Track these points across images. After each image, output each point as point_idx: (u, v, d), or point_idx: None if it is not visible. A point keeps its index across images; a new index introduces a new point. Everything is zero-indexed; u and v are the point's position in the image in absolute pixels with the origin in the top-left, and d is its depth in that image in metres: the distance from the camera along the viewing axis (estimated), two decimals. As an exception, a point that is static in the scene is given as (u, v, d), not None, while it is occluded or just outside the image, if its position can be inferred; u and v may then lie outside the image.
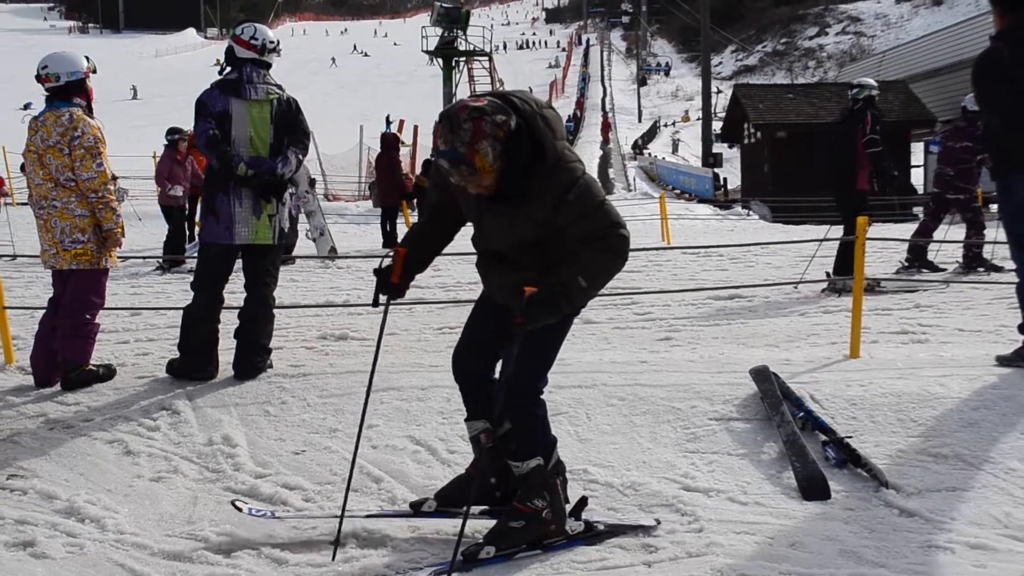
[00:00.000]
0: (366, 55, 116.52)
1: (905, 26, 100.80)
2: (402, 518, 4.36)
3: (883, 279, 10.61)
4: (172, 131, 14.82)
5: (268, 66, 6.50)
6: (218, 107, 6.34)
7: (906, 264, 11.93)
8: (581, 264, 3.76)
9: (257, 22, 6.64)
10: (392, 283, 4.13)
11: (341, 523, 4.18)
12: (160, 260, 13.93)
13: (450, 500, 4.32)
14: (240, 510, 4.38)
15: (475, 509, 4.20)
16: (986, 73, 5.98)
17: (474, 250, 4.22)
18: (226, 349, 6.50)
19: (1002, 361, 6.12)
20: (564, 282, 3.71)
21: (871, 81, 11.52)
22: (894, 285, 10.49)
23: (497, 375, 4.31)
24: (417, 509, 4.34)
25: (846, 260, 9.81)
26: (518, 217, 3.85)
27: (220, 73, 6.57)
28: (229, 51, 6.51)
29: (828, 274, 10.53)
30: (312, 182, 14.73)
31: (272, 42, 6.53)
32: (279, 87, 6.53)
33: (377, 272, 4.13)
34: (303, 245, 15.62)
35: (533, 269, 3.91)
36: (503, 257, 4.02)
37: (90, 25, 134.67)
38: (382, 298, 4.17)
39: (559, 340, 4.10)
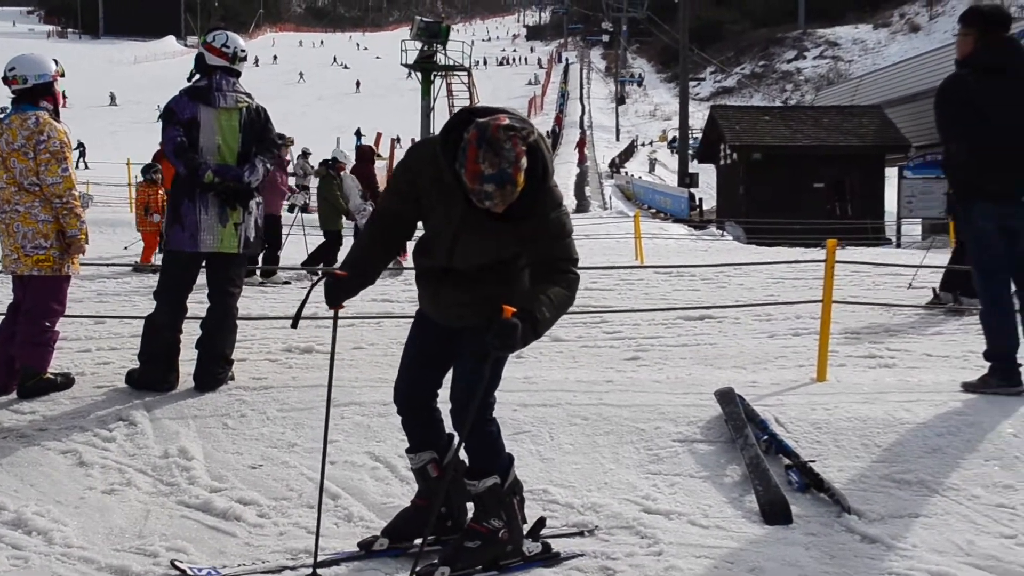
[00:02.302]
0: (346, 67, 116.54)
1: (882, 51, 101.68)
2: (355, 561, 4.22)
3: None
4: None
5: (238, 74, 6.44)
6: (186, 114, 6.26)
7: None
8: (547, 296, 3.72)
9: (238, 32, 6.58)
10: (343, 282, 3.96)
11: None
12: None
13: (400, 534, 4.23)
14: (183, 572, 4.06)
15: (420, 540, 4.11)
16: (951, 100, 6.00)
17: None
18: (187, 360, 6.40)
19: (967, 387, 6.11)
20: (534, 314, 3.64)
21: None
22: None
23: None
24: (368, 548, 4.22)
25: (955, 274, 9.94)
26: (505, 231, 3.80)
27: (189, 80, 6.48)
28: (199, 58, 6.43)
29: (934, 290, 10.65)
30: (364, 195, 14.53)
31: (243, 50, 6.47)
32: (248, 95, 6.46)
33: (325, 277, 3.99)
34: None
35: (491, 285, 3.86)
36: (458, 274, 3.94)
37: (69, 30, 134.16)
38: (329, 310, 4.05)
39: (507, 356, 4.03)
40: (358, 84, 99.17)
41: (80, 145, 44.86)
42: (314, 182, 18.99)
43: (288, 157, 14.49)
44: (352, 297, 4.00)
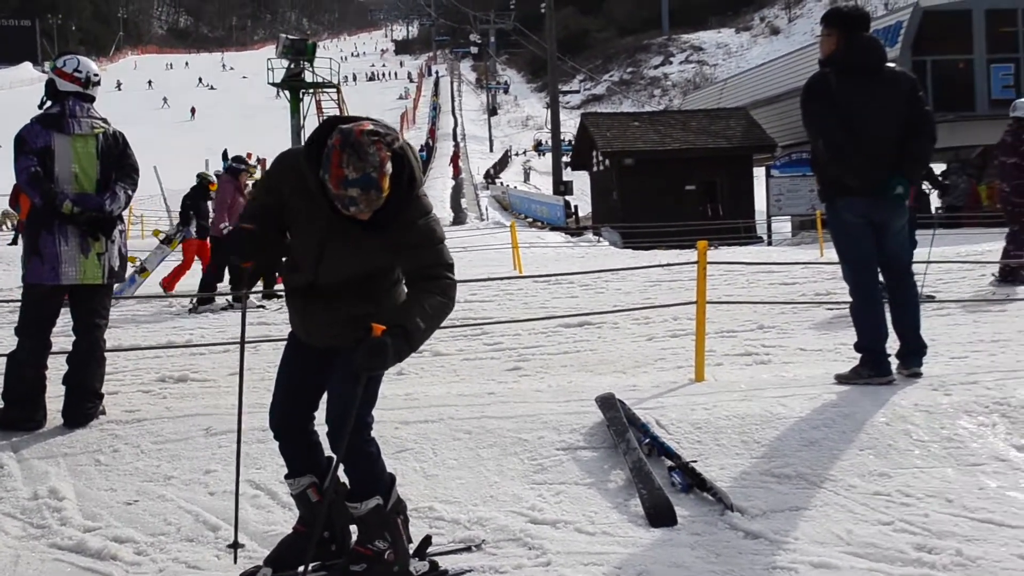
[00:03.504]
0: (212, 88, 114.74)
1: (745, 55, 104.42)
2: None
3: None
4: (237, 159, 14.32)
5: (92, 99, 6.24)
6: (39, 143, 6.04)
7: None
8: (420, 307, 3.70)
9: (98, 56, 6.37)
10: (253, 237, 3.86)
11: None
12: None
13: (283, 563, 4.11)
14: None
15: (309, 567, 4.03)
16: (813, 98, 6.16)
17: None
18: (55, 396, 6.17)
19: (841, 379, 6.25)
20: (407, 328, 3.62)
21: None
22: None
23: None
24: None
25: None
26: (371, 243, 3.75)
27: (40, 107, 6.26)
28: (50, 84, 6.21)
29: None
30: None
31: (96, 74, 6.27)
32: (104, 121, 6.26)
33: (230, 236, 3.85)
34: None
35: (360, 303, 3.80)
36: (325, 292, 3.88)
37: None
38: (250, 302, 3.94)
39: (382, 374, 3.99)
40: (193, 112, 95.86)
41: None
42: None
43: (249, 183, 14.22)
44: (261, 253, 3.92)
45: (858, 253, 6.21)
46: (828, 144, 6.07)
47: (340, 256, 3.82)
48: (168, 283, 14.67)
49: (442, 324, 3.85)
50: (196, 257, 14.74)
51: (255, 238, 3.87)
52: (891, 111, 6.09)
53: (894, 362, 6.21)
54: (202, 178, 14.95)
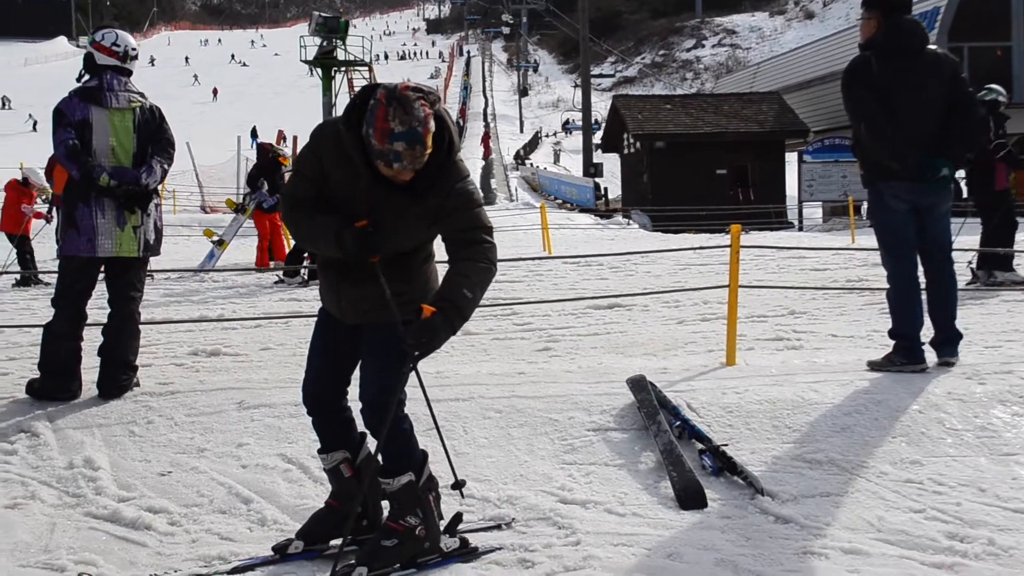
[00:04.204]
0: (244, 65, 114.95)
1: (779, 39, 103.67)
2: (271, 565, 4.11)
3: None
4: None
5: (129, 73, 6.27)
6: (77, 116, 6.08)
7: None
8: (465, 277, 3.72)
9: (132, 30, 6.41)
10: (374, 234, 3.74)
11: None
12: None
13: (315, 537, 4.15)
14: None
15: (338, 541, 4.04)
16: (855, 82, 6.11)
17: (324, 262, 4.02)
18: (90, 367, 6.23)
19: (873, 366, 6.22)
20: (456, 302, 3.64)
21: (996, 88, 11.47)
22: None
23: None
24: (283, 552, 4.12)
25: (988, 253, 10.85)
26: (413, 206, 3.76)
27: (79, 80, 6.29)
28: (88, 58, 6.25)
29: (972, 270, 11.15)
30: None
31: (134, 48, 6.31)
32: (141, 95, 6.30)
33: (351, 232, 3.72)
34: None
35: (393, 281, 3.80)
36: (359, 269, 3.87)
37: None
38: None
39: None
40: (215, 93, 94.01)
41: None
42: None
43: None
44: (382, 251, 3.80)
45: (899, 240, 6.16)
46: (870, 128, 6.02)
47: (384, 222, 3.79)
48: (259, 261, 15.08)
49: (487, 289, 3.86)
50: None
51: (374, 236, 3.74)
52: (933, 94, 6.03)
53: (928, 350, 6.17)
54: (273, 152, 15.37)
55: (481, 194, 3.91)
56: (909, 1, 6.28)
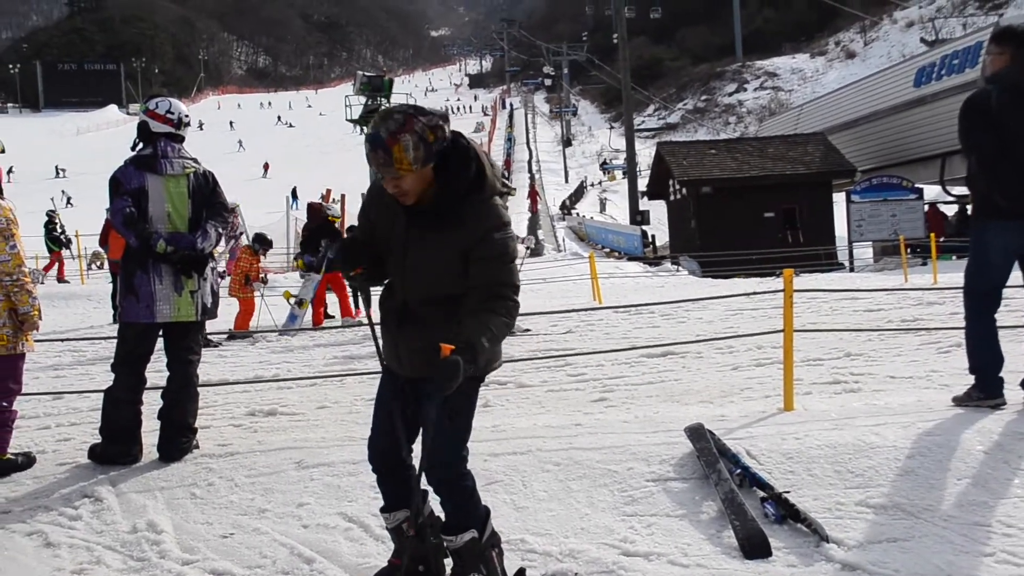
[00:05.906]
0: (291, 126, 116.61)
1: (821, 79, 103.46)
2: None
3: None
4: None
5: (182, 140, 6.40)
6: (133, 184, 6.20)
7: None
8: (486, 327, 3.67)
9: (180, 96, 6.55)
10: (353, 244, 4.03)
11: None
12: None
13: None
14: None
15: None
16: (972, 113, 6.00)
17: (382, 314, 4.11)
18: (150, 431, 6.31)
19: (957, 401, 6.18)
20: (475, 346, 3.60)
21: None
22: None
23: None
24: None
25: None
26: (447, 245, 3.79)
27: (133, 149, 6.42)
28: (142, 126, 6.38)
29: None
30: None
31: (187, 115, 6.44)
32: (195, 160, 6.42)
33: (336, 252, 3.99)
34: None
35: (448, 326, 3.79)
36: (415, 314, 3.90)
37: (9, 105, 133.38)
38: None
39: (473, 406, 4.02)
40: (266, 168, 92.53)
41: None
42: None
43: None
44: (365, 259, 4.02)
45: (990, 281, 6.08)
46: (980, 160, 5.94)
47: (421, 262, 3.85)
48: (316, 319, 15.49)
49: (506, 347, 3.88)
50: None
51: (354, 245, 4.02)
52: None
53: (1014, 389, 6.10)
54: (326, 213, 15.79)
55: (516, 249, 3.90)
56: None
